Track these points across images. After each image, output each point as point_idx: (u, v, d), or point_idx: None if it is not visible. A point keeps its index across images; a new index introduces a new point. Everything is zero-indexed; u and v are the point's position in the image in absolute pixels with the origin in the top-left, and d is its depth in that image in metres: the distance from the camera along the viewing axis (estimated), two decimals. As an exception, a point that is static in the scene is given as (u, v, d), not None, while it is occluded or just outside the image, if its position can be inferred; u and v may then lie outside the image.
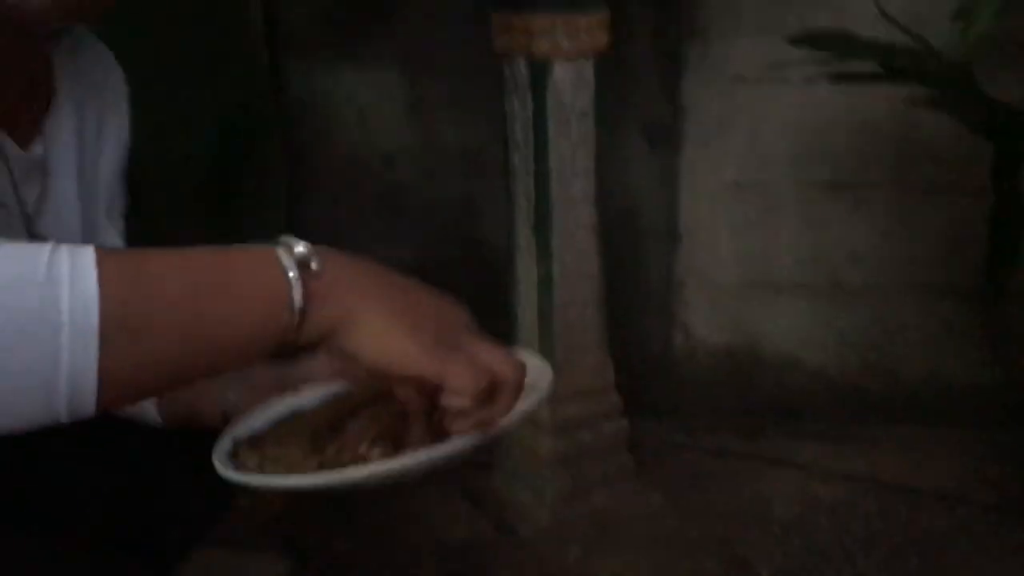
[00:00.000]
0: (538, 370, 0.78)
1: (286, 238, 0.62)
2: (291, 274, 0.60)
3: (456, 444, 0.69)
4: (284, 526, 1.79)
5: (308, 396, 0.82)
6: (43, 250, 0.55)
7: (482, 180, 2.17)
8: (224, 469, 0.71)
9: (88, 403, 0.54)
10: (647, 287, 2.19)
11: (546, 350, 1.81)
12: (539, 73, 1.70)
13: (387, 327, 0.63)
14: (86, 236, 0.89)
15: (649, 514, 1.85)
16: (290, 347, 0.61)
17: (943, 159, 2.03)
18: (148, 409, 0.93)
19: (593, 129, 1.76)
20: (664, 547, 1.75)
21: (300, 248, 0.61)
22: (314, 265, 0.61)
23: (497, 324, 1.93)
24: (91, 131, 0.91)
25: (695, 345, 2.21)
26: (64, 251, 0.55)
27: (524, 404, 0.72)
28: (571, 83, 1.72)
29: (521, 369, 0.69)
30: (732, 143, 2.12)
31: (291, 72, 2.13)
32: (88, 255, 0.55)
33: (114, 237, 0.95)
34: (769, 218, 2.14)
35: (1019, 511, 1.82)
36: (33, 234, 0.85)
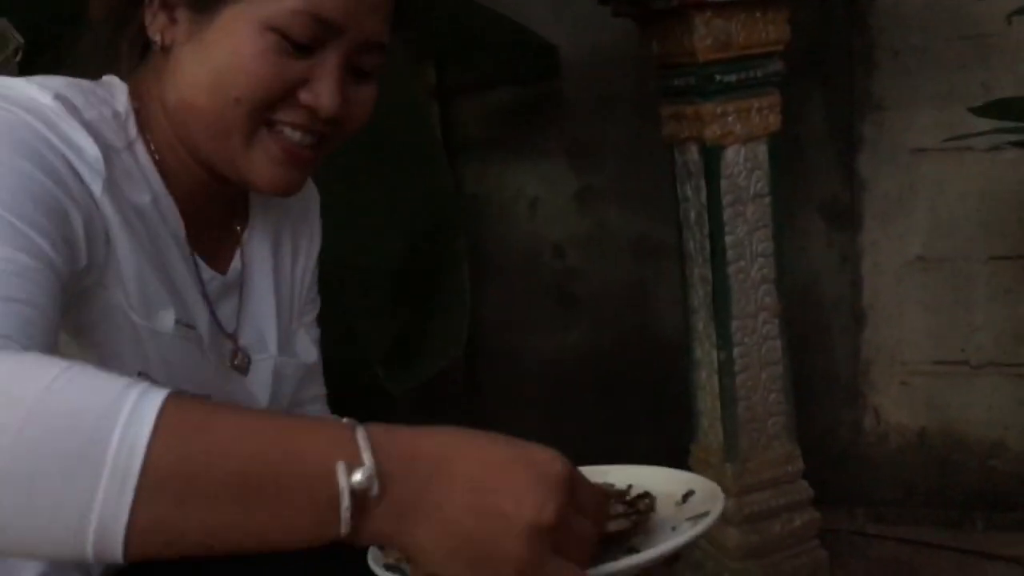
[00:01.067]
0: (709, 492, 0.75)
1: (361, 438, 0.57)
2: (344, 503, 0.56)
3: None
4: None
5: None
6: (115, 385, 0.54)
7: (652, 266, 2.16)
8: (373, 563, 0.70)
9: (115, 550, 0.53)
10: (833, 370, 2.11)
11: (729, 439, 1.75)
12: (712, 158, 1.69)
13: (442, 563, 0.59)
14: (281, 346, 0.93)
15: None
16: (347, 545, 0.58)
17: None
18: None
19: (769, 210, 1.73)
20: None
21: (358, 476, 0.56)
22: (374, 491, 0.57)
23: (673, 412, 1.90)
24: (286, 249, 0.95)
25: (887, 429, 2.10)
26: (135, 391, 0.54)
27: (695, 529, 0.69)
28: (745, 166, 1.70)
29: None
30: (914, 217, 2.04)
31: (466, 170, 2.21)
32: (155, 401, 0.54)
33: (308, 344, 0.98)
34: (959, 293, 2.03)
35: None
36: (237, 349, 0.89)
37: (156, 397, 0.55)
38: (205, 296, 0.86)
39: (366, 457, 0.57)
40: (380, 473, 0.57)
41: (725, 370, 1.75)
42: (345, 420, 0.59)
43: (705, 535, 0.71)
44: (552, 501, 0.58)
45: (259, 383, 0.91)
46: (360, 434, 0.57)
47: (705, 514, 0.72)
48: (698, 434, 1.83)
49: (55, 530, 0.52)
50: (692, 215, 1.76)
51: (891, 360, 2.09)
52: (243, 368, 0.90)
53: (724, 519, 1.76)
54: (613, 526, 0.70)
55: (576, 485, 0.61)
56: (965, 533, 1.97)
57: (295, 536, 0.57)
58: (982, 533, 1.97)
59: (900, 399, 2.09)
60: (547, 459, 0.60)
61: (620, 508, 0.72)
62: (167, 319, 0.79)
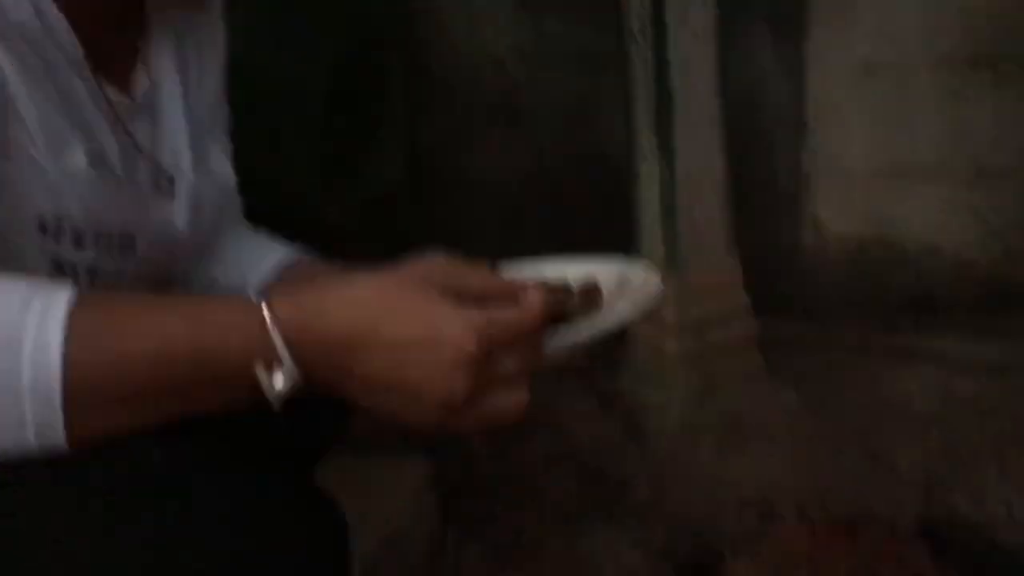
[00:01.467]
0: (644, 274, 0.81)
1: (275, 335, 0.59)
2: (272, 398, 0.59)
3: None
4: (420, 435, 1.84)
5: None
6: (13, 303, 0.55)
7: (596, 79, 2.12)
8: None
9: (60, 449, 0.56)
10: (774, 180, 2.12)
11: (671, 250, 1.78)
12: (655, -39, 1.63)
13: (380, 412, 0.63)
14: (197, 165, 0.90)
15: (782, 412, 1.82)
16: None
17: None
18: None
19: (714, 17, 1.69)
20: (799, 444, 1.72)
21: (280, 384, 0.59)
22: (297, 382, 0.60)
23: (617, 225, 1.91)
24: (192, 60, 0.90)
25: (826, 238, 2.13)
26: (36, 307, 0.55)
27: (636, 306, 0.75)
28: (689, -30, 1.65)
29: (523, 405, 0.65)
30: (861, 22, 2.00)
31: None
32: (58, 315, 0.55)
33: (223, 161, 0.95)
34: (904, 100, 2.02)
35: None
36: (158, 172, 0.86)
37: (58, 311, 0.55)
38: (116, 120, 0.81)
39: (284, 357, 0.59)
40: (299, 365, 0.59)
41: (667, 182, 1.75)
42: (253, 299, 0.60)
43: (646, 313, 0.76)
44: (462, 379, 0.60)
45: (178, 208, 0.88)
46: (273, 330, 0.59)
47: (644, 294, 0.76)
48: (640, 246, 1.85)
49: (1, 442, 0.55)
50: (635, 23, 1.71)
51: (833, 169, 2.10)
52: (167, 190, 0.87)
53: (664, 330, 1.81)
54: (568, 309, 0.74)
55: (497, 343, 0.62)
56: (896, 336, 2.04)
57: (233, 407, 0.61)
58: (913, 335, 2.04)
59: (840, 208, 2.12)
60: (457, 338, 0.60)
61: (572, 295, 0.76)
62: (77, 157, 0.75)
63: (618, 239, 1.89)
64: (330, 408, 0.98)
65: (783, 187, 2.13)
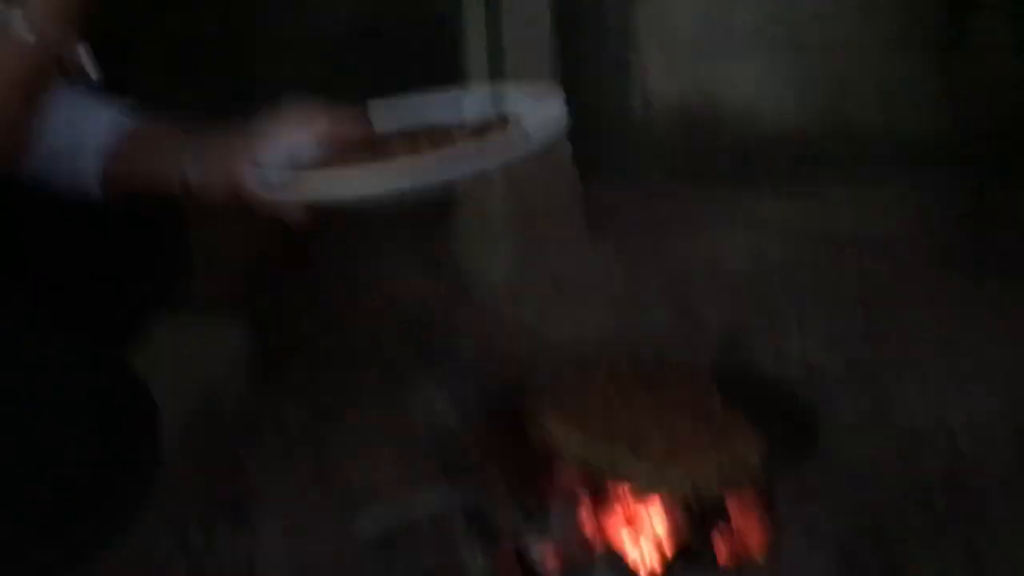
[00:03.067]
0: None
1: None
2: None
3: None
4: (242, 297, 1.80)
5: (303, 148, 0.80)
6: None
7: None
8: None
9: None
10: (602, 43, 2.11)
11: (497, 110, 1.76)
12: None
13: None
14: None
15: (602, 273, 1.87)
16: None
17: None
18: (87, 182, 0.88)
19: None
20: (617, 304, 1.77)
21: None
22: None
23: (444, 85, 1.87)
24: None
25: (651, 102, 2.16)
26: None
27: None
28: None
29: None
30: None
31: None
32: None
33: None
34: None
35: (965, 258, 1.86)
36: None
37: None
38: None
39: None
40: None
41: (494, 43, 1.72)
42: None
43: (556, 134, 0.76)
44: None
45: None
46: None
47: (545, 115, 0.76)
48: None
49: None
50: None
51: (660, 34, 2.11)
52: None
53: (489, 188, 1.80)
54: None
55: None
56: (715, 199, 2.10)
57: None
58: (730, 199, 2.10)
59: (666, 73, 2.14)
60: None
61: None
62: None
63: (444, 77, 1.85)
64: (156, 276, 0.95)
65: (611, 50, 2.12)
